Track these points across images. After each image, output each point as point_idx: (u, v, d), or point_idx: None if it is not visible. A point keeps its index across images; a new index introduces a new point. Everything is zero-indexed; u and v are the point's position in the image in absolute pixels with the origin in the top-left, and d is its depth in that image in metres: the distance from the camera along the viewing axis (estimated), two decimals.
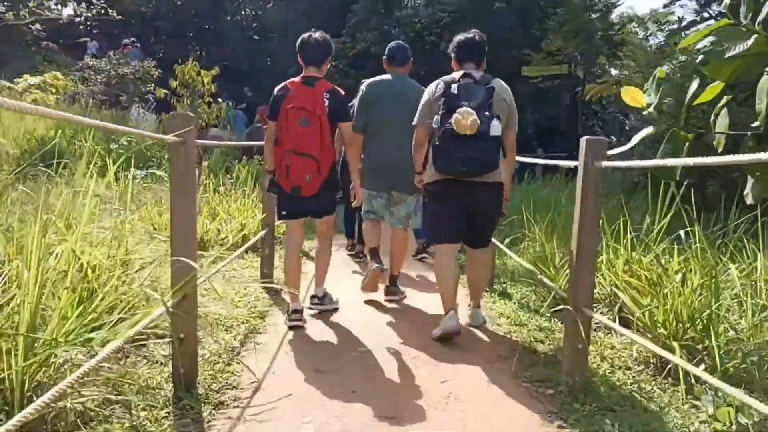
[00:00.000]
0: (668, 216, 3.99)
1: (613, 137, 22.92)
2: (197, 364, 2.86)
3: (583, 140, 2.92)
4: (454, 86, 3.70)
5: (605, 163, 2.84)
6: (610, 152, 3.04)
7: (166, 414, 2.53)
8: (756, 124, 3.12)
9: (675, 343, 3.04)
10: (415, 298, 4.89)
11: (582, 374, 3.01)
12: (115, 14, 10.40)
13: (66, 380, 1.96)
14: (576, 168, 3.07)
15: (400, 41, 4.97)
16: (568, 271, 4.58)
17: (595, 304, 3.36)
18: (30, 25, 12.73)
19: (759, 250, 3.65)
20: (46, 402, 1.86)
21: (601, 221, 3.21)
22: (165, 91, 9.61)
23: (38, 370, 2.31)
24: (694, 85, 3.30)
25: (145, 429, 2.42)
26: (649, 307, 3.43)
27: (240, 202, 7.06)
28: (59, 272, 2.84)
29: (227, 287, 4.53)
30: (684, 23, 10.43)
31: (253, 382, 3.00)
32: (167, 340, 3.00)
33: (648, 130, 3.50)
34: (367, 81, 4.80)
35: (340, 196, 4.19)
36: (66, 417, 2.27)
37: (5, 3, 11.96)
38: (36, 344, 2.32)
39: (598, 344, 3.66)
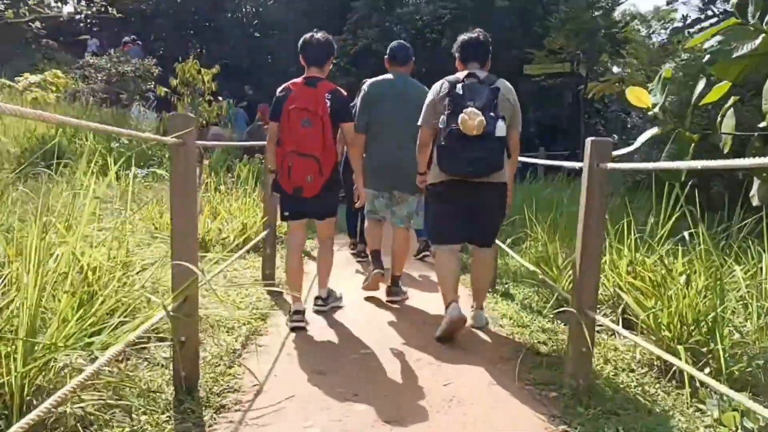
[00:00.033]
0: (674, 218, 3.95)
1: (615, 135, 22.92)
2: (198, 366, 2.83)
3: (588, 141, 2.89)
4: (459, 86, 3.69)
5: (611, 165, 2.81)
6: (615, 153, 2.99)
7: (167, 418, 2.51)
8: (763, 124, 3.08)
9: (680, 347, 3.01)
10: (416, 298, 4.87)
11: (586, 377, 2.99)
12: (114, 12, 10.35)
13: (67, 386, 1.94)
14: (578, 167, 3.05)
15: (402, 41, 4.97)
16: (570, 271, 4.59)
17: (598, 306, 3.34)
18: (30, 23, 12.69)
19: (764, 251, 3.62)
20: (48, 408, 1.84)
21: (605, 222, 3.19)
22: (165, 89, 9.57)
23: (38, 375, 2.29)
24: (701, 84, 3.26)
25: None
26: (654, 310, 3.40)
27: (241, 201, 7.04)
28: (59, 274, 2.82)
29: (229, 288, 4.51)
30: (688, 21, 10.36)
31: (254, 385, 2.98)
32: (168, 342, 2.97)
33: (653, 131, 3.46)
34: (368, 81, 4.81)
35: (342, 194, 4.18)
36: (66, 422, 2.25)
37: (5, 1, 11.93)
38: (36, 348, 2.30)
39: (602, 346, 3.64)
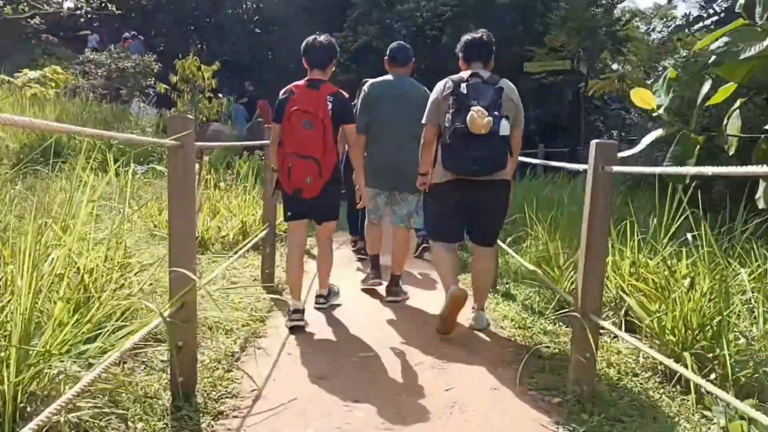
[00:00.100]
0: (679, 220, 3.91)
1: (614, 131, 22.88)
2: (196, 372, 2.79)
3: (593, 144, 2.84)
4: (463, 85, 3.70)
5: (616, 168, 2.76)
6: (619, 154, 2.95)
7: (164, 425, 2.46)
8: None
9: (685, 353, 2.96)
10: (417, 297, 4.83)
11: (589, 383, 2.94)
12: (114, 9, 10.29)
13: (63, 397, 1.90)
14: (582, 169, 3.01)
15: (402, 42, 4.98)
16: (572, 272, 4.55)
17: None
18: (29, 19, 12.63)
19: None
20: (44, 421, 1.79)
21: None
22: (165, 86, 9.52)
23: (31, 381, 2.24)
24: (706, 86, 3.22)
25: None
26: (658, 314, 3.36)
27: (241, 199, 7.00)
28: (56, 275, 2.78)
29: (227, 289, 4.47)
30: (690, 19, 10.29)
31: (253, 390, 2.93)
32: (166, 345, 2.93)
33: (658, 132, 3.42)
34: (368, 82, 4.83)
35: (342, 191, 4.18)
36: (60, 430, 2.20)
37: None
38: (29, 354, 2.25)
39: (605, 349, 3.60)
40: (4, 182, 4.75)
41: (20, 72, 10.96)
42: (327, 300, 4.40)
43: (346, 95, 4.02)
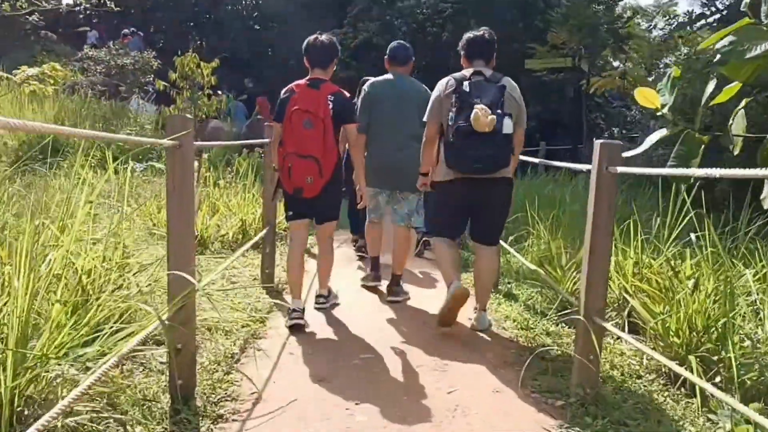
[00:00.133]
0: (685, 220, 3.87)
1: (615, 129, 22.84)
2: (195, 374, 2.75)
3: (597, 144, 2.80)
4: (466, 83, 3.69)
5: (620, 169, 2.72)
6: (624, 154, 2.91)
7: (163, 429, 2.43)
8: None
9: (691, 357, 2.93)
10: (417, 296, 4.80)
11: (593, 385, 2.91)
12: (113, 5, 10.24)
13: (62, 402, 1.86)
14: (585, 169, 2.97)
15: (402, 41, 4.97)
16: (575, 272, 4.52)
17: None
18: (28, 16, 12.58)
19: None
20: (44, 425, 1.76)
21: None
22: (164, 83, 9.47)
23: (28, 385, 2.21)
24: (711, 85, 3.18)
25: None
26: (663, 316, 3.32)
27: (241, 197, 6.96)
28: (53, 276, 2.74)
29: (227, 288, 4.43)
30: (693, 16, 10.25)
31: (253, 393, 2.89)
32: (165, 347, 2.89)
33: (662, 132, 3.39)
34: (368, 81, 4.82)
35: (343, 189, 4.17)
36: None
37: None
38: (26, 358, 2.22)
39: (608, 351, 3.56)
40: (2, 180, 4.72)
41: (19, 69, 10.92)
42: (327, 300, 4.38)
43: (347, 94, 4.01)
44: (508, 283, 5.20)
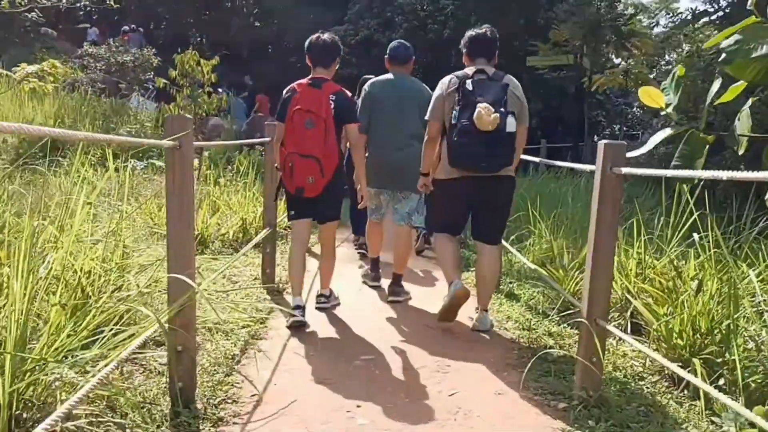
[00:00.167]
0: (689, 221, 3.84)
1: (615, 126, 22.84)
2: (195, 377, 2.72)
3: (601, 144, 2.77)
4: (469, 82, 3.68)
5: (625, 170, 2.69)
6: (628, 154, 2.88)
7: None
8: None
9: (695, 360, 2.91)
10: (418, 296, 4.77)
11: (596, 388, 2.88)
12: (113, 2, 10.21)
13: (62, 407, 1.84)
14: (589, 170, 2.94)
15: (402, 40, 4.96)
16: (577, 272, 4.49)
17: None
18: (27, 12, 12.54)
19: None
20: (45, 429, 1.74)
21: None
22: (164, 81, 9.43)
23: (27, 389, 2.19)
24: (716, 84, 3.15)
25: None
26: (666, 318, 3.30)
27: (241, 195, 6.93)
28: (52, 277, 2.72)
29: (227, 289, 4.41)
30: (695, 14, 10.20)
31: (253, 395, 2.87)
32: (165, 347, 2.87)
33: (666, 132, 3.36)
34: (369, 81, 4.81)
35: (345, 187, 4.16)
36: None
37: None
38: (25, 361, 2.20)
39: (611, 352, 3.54)
40: (2, 179, 4.70)
41: (18, 66, 10.87)
42: (328, 300, 4.37)
43: (349, 94, 4.00)
44: (510, 283, 5.17)
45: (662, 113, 3.32)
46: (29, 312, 2.33)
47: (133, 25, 17.95)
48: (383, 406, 2.86)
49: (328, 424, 2.66)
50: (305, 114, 3.71)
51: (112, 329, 2.56)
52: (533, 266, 4.64)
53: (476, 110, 3.53)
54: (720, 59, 3.14)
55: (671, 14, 15.22)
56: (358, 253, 6.20)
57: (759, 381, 2.82)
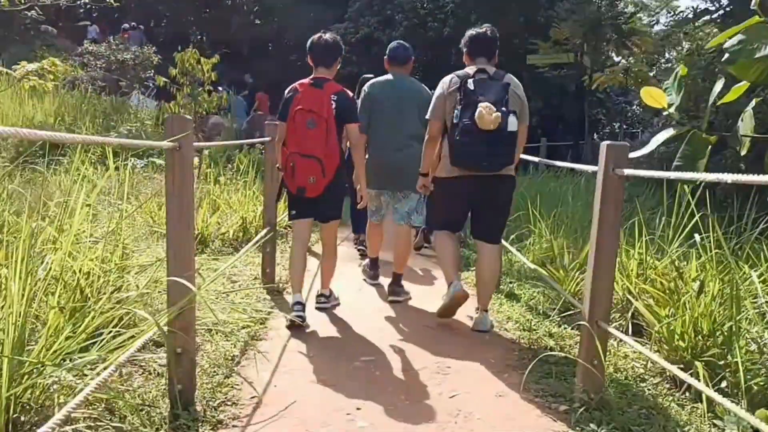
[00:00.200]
0: (691, 222, 3.82)
1: (616, 124, 22.82)
2: (195, 379, 2.70)
3: (603, 146, 2.75)
4: (470, 81, 3.69)
5: (627, 171, 2.67)
6: (630, 155, 2.86)
7: None
8: None
9: (697, 362, 2.89)
10: (418, 295, 4.76)
11: (597, 390, 2.86)
12: (112, 0, 10.19)
13: (61, 412, 1.82)
14: (591, 171, 2.93)
15: (401, 41, 4.96)
16: (578, 273, 4.48)
17: None
18: (27, 11, 12.52)
19: None
20: None
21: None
22: (165, 79, 9.41)
23: (24, 393, 2.17)
24: (719, 84, 3.13)
25: None
26: (668, 320, 3.28)
27: (241, 194, 6.91)
28: (51, 278, 2.71)
29: (227, 290, 4.39)
30: (697, 12, 10.16)
31: (253, 397, 2.85)
32: (165, 348, 2.85)
33: (669, 132, 3.34)
34: (369, 81, 4.81)
35: (346, 185, 4.18)
36: None
37: None
38: (23, 364, 2.18)
39: (612, 353, 3.52)
40: (1, 177, 4.68)
41: (18, 64, 10.84)
42: (328, 300, 4.37)
43: (351, 94, 3.99)
44: (510, 283, 5.15)
45: (664, 113, 3.29)
46: (27, 314, 2.31)
47: (133, 23, 17.93)
48: (383, 407, 2.84)
49: (328, 427, 2.65)
50: (307, 114, 3.70)
51: (111, 331, 2.54)
52: (533, 266, 4.62)
53: (478, 110, 3.53)
54: (723, 59, 3.13)
55: (671, 12, 15.16)
56: (358, 251, 6.19)
57: (762, 384, 2.80)
